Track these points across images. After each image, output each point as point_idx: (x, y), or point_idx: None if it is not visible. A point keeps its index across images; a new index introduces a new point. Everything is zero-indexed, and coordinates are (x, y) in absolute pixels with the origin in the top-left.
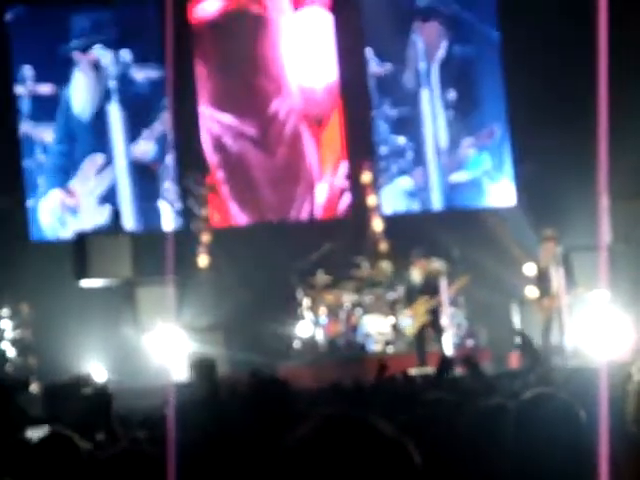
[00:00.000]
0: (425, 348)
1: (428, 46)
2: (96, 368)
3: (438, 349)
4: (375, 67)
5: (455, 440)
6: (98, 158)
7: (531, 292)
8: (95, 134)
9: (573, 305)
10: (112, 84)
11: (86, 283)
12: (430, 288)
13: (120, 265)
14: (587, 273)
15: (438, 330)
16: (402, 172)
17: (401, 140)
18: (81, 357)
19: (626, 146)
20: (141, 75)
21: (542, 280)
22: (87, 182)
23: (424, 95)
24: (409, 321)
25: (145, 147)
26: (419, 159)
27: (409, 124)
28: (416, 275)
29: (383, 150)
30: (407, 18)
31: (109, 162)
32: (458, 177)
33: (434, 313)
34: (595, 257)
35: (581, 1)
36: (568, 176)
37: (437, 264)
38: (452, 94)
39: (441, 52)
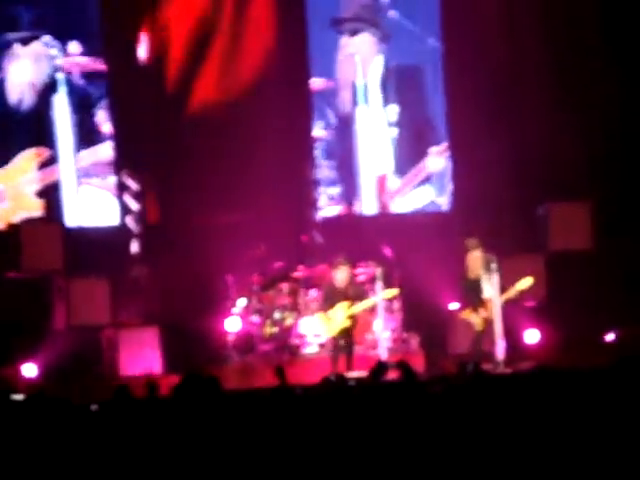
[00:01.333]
0: (350, 352)
1: (363, 61)
2: (26, 365)
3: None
4: (312, 83)
5: None
6: (41, 152)
7: (463, 304)
8: (35, 127)
9: (503, 311)
10: (60, 76)
11: (15, 275)
12: (353, 294)
13: (52, 258)
14: (521, 279)
15: (350, 342)
16: (334, 202)
17: (332, 166)
18: (11, 353)
19: (561, 154)
20: (85, 66)
21: (474, 290)
22: (24, 174)
23: (360, 115)
24: (329, 323)
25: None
26: (352, 190)
27: (343, 148)
28: (339, 279)
29: (316, 174)
30: (334, 33)
31: (54, 158)
32: (401, 207)
33: (354, 320)
34: (530, 262)
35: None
36: (502, 183)
37: (366, 269)
38: (395, 110)
39: (377, 66)
